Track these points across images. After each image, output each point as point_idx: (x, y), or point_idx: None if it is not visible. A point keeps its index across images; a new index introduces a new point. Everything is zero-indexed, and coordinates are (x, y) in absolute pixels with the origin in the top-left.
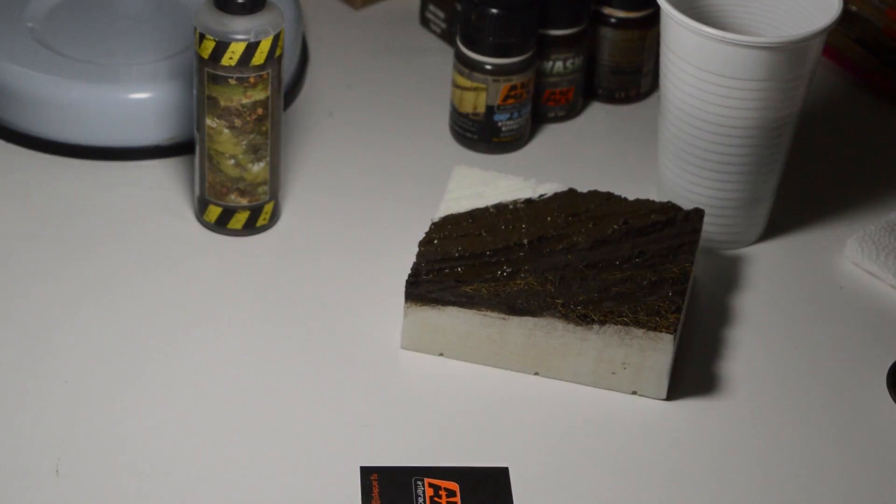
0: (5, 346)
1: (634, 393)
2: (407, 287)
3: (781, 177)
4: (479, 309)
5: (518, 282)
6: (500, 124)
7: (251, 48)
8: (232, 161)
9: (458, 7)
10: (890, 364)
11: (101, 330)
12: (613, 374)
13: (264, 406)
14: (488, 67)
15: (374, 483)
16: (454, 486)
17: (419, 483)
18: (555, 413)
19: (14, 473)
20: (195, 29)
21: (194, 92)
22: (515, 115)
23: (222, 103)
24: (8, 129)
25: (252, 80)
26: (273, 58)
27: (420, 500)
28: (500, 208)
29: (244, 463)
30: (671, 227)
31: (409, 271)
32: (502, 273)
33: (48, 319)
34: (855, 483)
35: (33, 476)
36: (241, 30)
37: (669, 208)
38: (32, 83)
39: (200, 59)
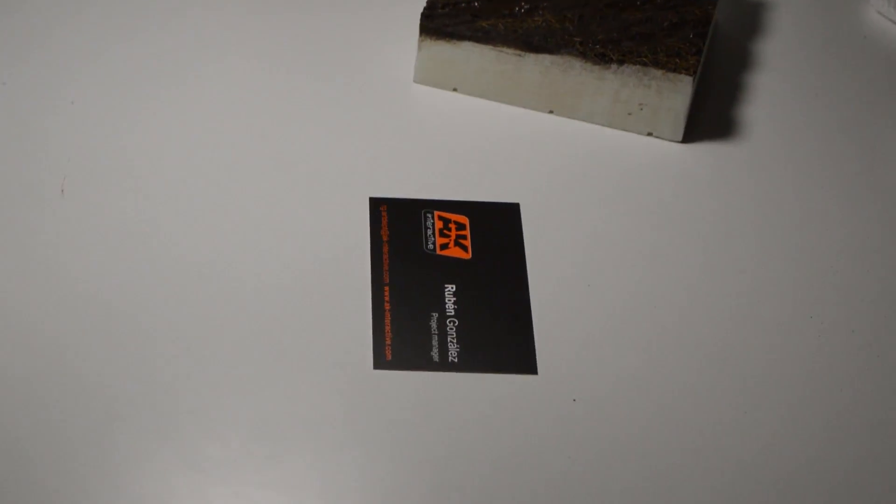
0: (10, 64)
1: (650, 134)
2: (422, 20)
3: None
4: (494, 44)
5: (536, 18)
6: None
7: None
8: None
9: None
10: None
11: (109, 49)
12: (629, 114)
13: (275, 135)
14: None
15: (384, 214)
16: (464, 219)
17: (429, 215)
18: (568, 151)
19: (19, 193)
20: None
21: None
22: None
23: None
24: None
25: None
26: None
27: (429, 232)
28: None
29: (252, 191)
30: None
31: (425, 4)
32: (520, 9)
33: (54, 40)
34: (869, 230)
35: (38, 196)
36: None
37: None
38: None
39: None
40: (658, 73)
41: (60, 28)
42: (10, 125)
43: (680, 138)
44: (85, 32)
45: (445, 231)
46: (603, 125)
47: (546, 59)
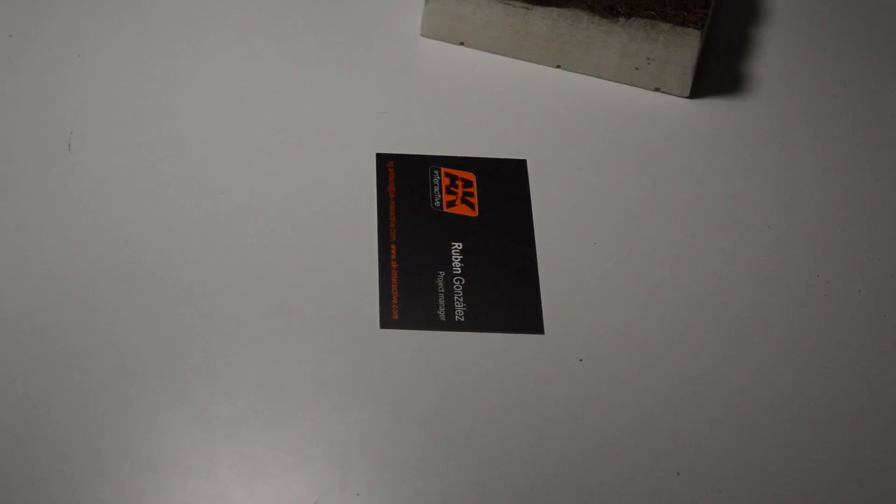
0: (15, 18)
1: (657, 90)
2: None
3: None
4: None
5: None
6: None
7: None
8: None
9: None
10: None
11: (115, 1)
12: (637, 69)
13: (281, 89)
14: None
15: (390, 170)
16: (471, 176)
17: (435, 172)
18: (576, 107)
19: (26, 147)
20: None
21: None
22: None
23: None
24: None
25: None
26: None
27: (436, 188)
28: None
29: (260, 146)
30: None
31: None
32: None
33: None
34: (877, 187)
35: (45, 150)
36: None
37: None
38: None
39: None
40: (666, 26)
41: None
42: (16, 79)
43: (687, 93)
44: None
45: (452, 188)
46: (610, 80)
47: (554, 11)
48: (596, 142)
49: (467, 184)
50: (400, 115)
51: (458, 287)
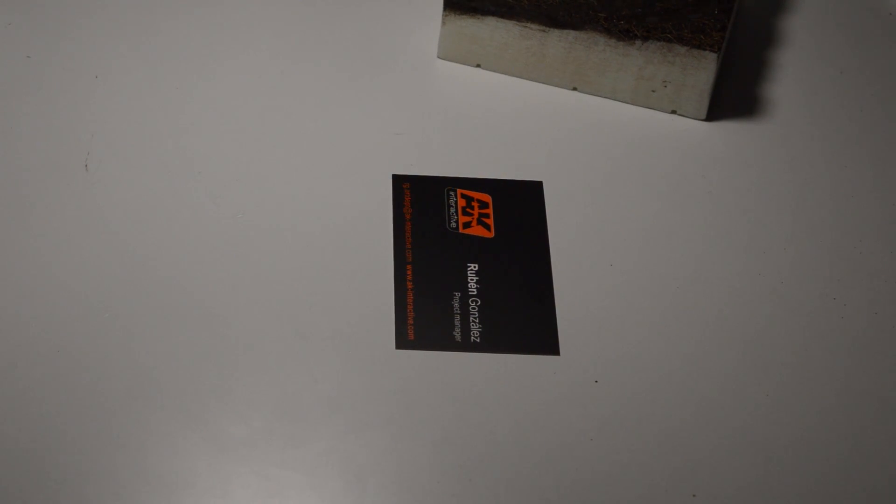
0: (34, 39)
1: (674, 112)
2: None
3: None
4: (519, 20)
5: None
6: None
7: None
8: None
9: None
10: None
11: (132, 22)
12: (653, 91)
13: (298, 111)
14: None
15: (406, 191)
16: (487, 197)
17: (451, 193)
18: (592, 129)
19: (43, 168)
20: None
21: None
22: None
23: None
24: None
25: None
26: None
27: (452, 210)
28: None
29: (277, 167)
30: None
31: None
32: None
33: (78, 14)
34: (892, 207)
35: (62, 171)
36: None
37: None
38: None
39: None
40: (682, 49)
41: (84, 2)
42: (34, 99)
43: (704, 116)
44: (110, 6)
45: (468, 209)
46: (626, 102)
47: (570, 34)
48: (612, 164)
49: (483, 205)
50: (416, 136)
51: (473, 308)
